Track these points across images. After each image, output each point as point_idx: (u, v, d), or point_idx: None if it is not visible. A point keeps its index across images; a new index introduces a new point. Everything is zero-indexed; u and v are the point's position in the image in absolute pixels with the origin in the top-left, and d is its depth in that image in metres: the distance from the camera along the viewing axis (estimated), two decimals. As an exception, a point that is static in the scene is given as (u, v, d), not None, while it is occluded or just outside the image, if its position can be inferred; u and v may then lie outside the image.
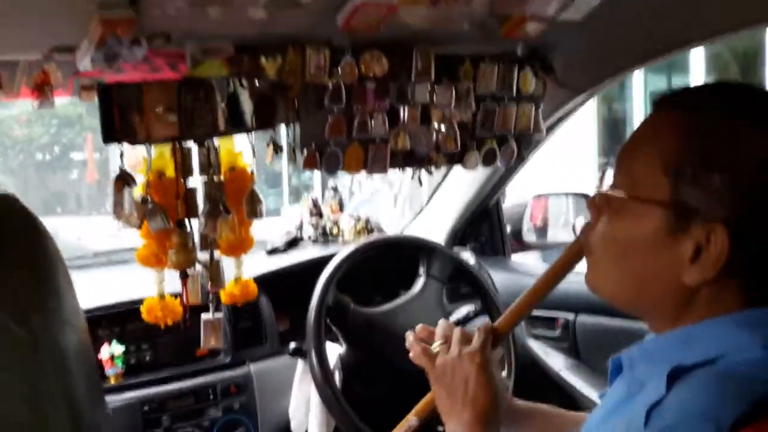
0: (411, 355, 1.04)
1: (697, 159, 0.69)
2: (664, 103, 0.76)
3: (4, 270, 0.33)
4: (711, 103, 0.72)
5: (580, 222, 2.19)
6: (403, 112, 1.31)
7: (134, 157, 1.26)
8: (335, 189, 2.19)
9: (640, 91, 8.02)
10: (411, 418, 1.06)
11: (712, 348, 0.70)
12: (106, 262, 2.07)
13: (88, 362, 0.39)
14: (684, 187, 0.69)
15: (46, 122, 11.19)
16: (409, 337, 1.04)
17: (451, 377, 0.95)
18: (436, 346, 1.00)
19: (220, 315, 1.37)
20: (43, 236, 0.36)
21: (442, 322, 1.04)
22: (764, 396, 0.63)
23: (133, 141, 1.17)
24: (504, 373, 1.48)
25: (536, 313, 1.97)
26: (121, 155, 1.20)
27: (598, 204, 0.80)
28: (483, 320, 1.70)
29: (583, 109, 1.80)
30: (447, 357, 0.97)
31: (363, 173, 1.36)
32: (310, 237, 2.07)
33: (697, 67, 7.14)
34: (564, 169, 5.47)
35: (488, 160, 1.41)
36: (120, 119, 1.15)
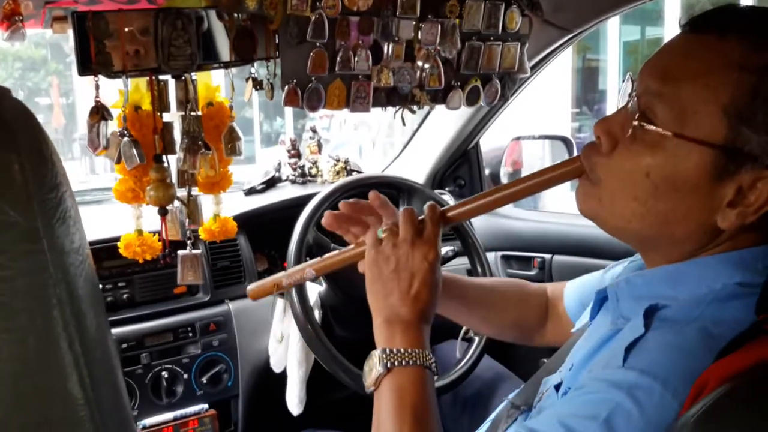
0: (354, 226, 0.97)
1: (765, 102, 0.63)
2: (709, 26, 0.68)
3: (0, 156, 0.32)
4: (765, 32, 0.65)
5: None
6: (387, 49, 1.28)
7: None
8: (314, 130, 2.16)
9: (615, 42, 7.99)
10: (308, 270, 0.98)
11: (699, 286, 0.70)
12: (79, 202, 2.03)
13: (89, 268, 0.38)
14: (745, 131, 0.64)
15: (9, 66, 10.78)
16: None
17: (395, 266, 0.86)
18: (383, 230, 0.90)
19: (198, 251, 1.36)
20: (38, 129, 0.35)
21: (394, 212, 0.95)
22: (745, 330, 0.64)
23: (109, 73, 1.13)
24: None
25: (513, 252, 2.01)
26: (97, 87, 1.16)
27: (616, 133, 0.74)
28: (462, 261, 1.72)
29: (556, 60, 1.79)
30: (398, 242, 0.87)
31: (343, 112, 1.34)
32: (288, 177, 2.05)
33: (672, 18, 7.12)
34: (537, 119, 5.47)
35: (472, 99, 1.40)
36: (96, 50, 1.11)
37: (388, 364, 0.81)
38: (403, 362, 0.81)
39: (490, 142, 2.24)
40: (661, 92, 0.69)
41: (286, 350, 1.53)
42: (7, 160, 0.31)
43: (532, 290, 1.21)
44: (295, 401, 1.49)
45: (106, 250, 1.54)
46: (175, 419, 1.52)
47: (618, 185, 0.74)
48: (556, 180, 0.86)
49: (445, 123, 2.05)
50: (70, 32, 1.16)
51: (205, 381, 1.57)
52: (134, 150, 1.18)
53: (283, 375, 1.53)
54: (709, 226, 0.69)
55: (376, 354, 0.84)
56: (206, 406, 1.56)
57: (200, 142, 1.24)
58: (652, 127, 0.69)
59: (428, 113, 2.06)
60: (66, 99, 11.61)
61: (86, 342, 0.34)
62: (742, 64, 0.64)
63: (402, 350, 0.82)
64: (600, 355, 0.74)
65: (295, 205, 1.55)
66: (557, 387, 0.81)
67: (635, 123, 0.70)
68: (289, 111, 9.70)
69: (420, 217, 0.91)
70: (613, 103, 0.74)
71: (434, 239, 0.88)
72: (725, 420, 0.57)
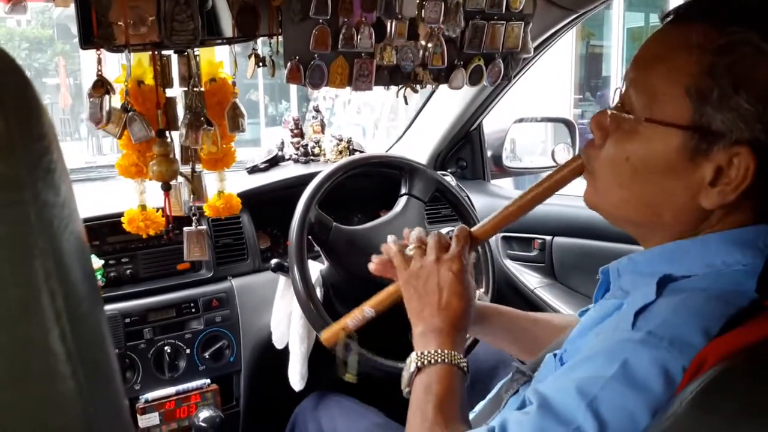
0: (384, 252, 1.02)
1: (724, 80, 0.65)
2: (679, 16, 0.71)
3: None
4: (731, 15, 0.67)
5: (559, 148, 2.21)
6: (390, 27, 1.28)
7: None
8: (317, 110, 2.16)
9: (618, 29, 7.93)
10: (366, 309, 1.06)
11: (701, 263, 0.71)
12: (84, 179, 2.04)
13: (76, 223, 0.36)
14: (708, 109, 0.66)
15: (15, 46, 10.77)
16: (389, 239, 1.04)
17: (425, 282, 0.93)
18: (411, 249, 0.98)
19: (203, 227, 1.37)
20: (22, 76, 0.33)
21: (417, 229, 1.02)
22: (744, 307, 0.65)
23: (111, 46, 1.13)
24: (482, 291, 1.51)
25: (514, 233, 2.01)
26: (99, 61, 1.16)
27: (605, 125, 0.77)
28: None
29: (559, 46, 1.79)
30: (424, 260, 0.95)
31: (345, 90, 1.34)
32: (291, 156, 2.06)
33: (676, 5, 7.04)
34: (541, 106, 5.44)
35: (475, 78, 1.40)
36: (98, 24, 1.11)
37: (419, 364, 0.87)
38: (432, 361, 0.86)
39: (492, 124, 2.23)
40: (634, 79, 0.73)
41: (288, 326, 1.54)
42: None
43: None
44: (297, 377, 1.50)
45: (109, 225, 1.56)
46: (177, 393, 1.53)
47: (606, 174, 0.78)
48: (565, 179, 0.92)
49: (448, 104, 2.05)
50: (73, 6, 1.17)
51: (207, 356, 1.59)
52: (141, 122, 1.18)
53: (284, 351, 1.55)
54: (694, 207, 0.71)
55: (410, 357, 0.89)
56: (208, 381, 1.58)
57: (202, 118, 1.24)
58: (626, 115, 0.73)
59: (431, 94, 2.06)
60: (73, 79, 11.59)
61: (70, 297, 0.33)
62: (701, 45, 0.67)
63: (432, 351, 0.87)
64: (606, 323, 0.75)
65: (297, 184, 1.55)
66: (555, 354, 0.83)
67: (612, 112, 0.75)
68: (294, 94, 9.67)
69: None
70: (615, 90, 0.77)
71: (459, 253, 0.95)
72: (726, 393, 0.57)
